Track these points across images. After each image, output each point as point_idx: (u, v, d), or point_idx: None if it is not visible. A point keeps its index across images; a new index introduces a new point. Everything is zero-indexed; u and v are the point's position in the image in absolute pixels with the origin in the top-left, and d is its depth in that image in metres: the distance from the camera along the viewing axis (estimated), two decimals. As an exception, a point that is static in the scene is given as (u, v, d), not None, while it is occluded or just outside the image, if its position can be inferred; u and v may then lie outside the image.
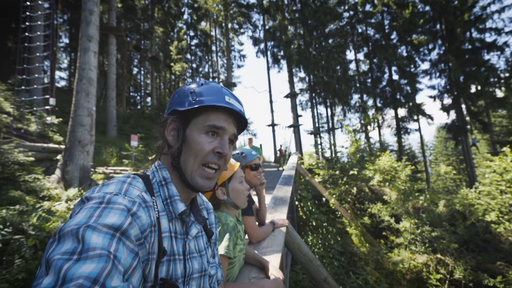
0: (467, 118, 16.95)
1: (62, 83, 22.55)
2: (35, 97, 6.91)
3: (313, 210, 6.09)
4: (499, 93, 16.20)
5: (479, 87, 16.49)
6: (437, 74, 18.13)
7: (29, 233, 2.20)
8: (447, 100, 17.88)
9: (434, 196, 7.81)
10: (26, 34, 7.06)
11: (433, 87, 18.36)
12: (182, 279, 0.58)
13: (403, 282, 4.96)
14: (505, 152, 6.21)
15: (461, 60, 16.28)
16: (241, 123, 0.69)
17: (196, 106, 0.60)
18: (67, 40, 21.52)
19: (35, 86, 7.11)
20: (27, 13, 7.25)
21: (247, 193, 1.22)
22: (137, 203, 0.50)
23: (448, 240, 5.18)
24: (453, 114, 17.41)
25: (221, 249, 1.05)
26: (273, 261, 1.43)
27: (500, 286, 4.14)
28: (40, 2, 7.65)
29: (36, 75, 7.44)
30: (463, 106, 17.06)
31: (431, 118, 17.92)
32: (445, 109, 17.69)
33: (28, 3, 7.30)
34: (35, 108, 6.71)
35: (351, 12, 20.24)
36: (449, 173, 7.82)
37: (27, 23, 7.21)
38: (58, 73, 22.05)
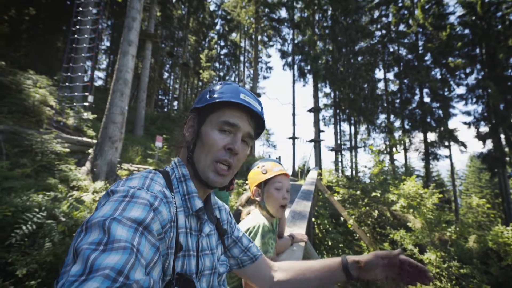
0: (506, 149, 15.67)
1: (99, 83, 24.27)
2: (76, 94, 7.49)
3: (330, 229, 5.88)
4: (544, 125, 14.87)
5: (521, 117, 15.27)
6: (474, 100, 17.08)
7: (60, 219, 2.34)
8: (484, 128, 16.69)
9: (464, 230, 7.22)
10: (76, 36, 7.73)
11: (468, 113, 17.27)
12: (195, 274, 0.59)
13: (424, 320, 4.55)
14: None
15: (502, 86, 15.25)
16: (259, 124, 0.68)
17: (210, 102, 0.61)
18: (108, 43, 23.32)
19: (77, 83, 7.71)
20: (79, 18, 7.98)
21: (282, 202, 1.20)
22: (158, 198, 0.51)
23: (480, 280, 4.73)
24: (489, 144, 16.17)
25: None
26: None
27: None
28: (90, 8, 8.41)
29: (79, 74, 8.08)
30: (502, 135, 15.82)
31: (464, 146, 16.78)
32: (481, 137, 16.50)
33: (80, 9, 8.06)
34: (74, 104, 7.25)
35: (383, 31, 19.96)
36: (482, 207, 7.23)
37: (77, 26, 7.91)
38: (96, 73, 23.83)
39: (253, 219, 1.14)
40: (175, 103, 27.96)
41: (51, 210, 2.36)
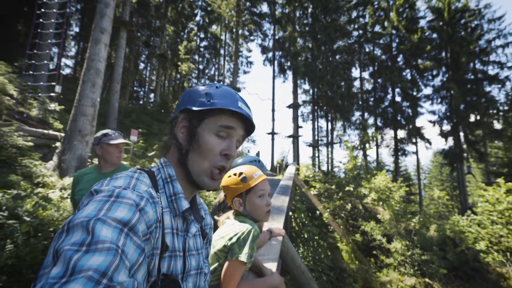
0: (464, 146, 17.16)
1: (67, 71, 22.60)
2: (41, 83, 6.92)
3: (306, 222, 6.08)
4: (497, 125, 16.48)
5: (478, 117, 16.78)
6: (439, 100, 18.45)
7: (23, 218, 2.19)
8: (446, 127, 18.16)
9: (426, 220, 7.85)
10: (40, 20, 7.11)
11: (433, 112, 18.66)
12: (181, 275, 0.59)
13: (389, 304, 4.93)
14: (499, 183, 6.28)
15: (463, 89, 16.60)
16: (249, 127, 0.70)
17: (209, 108, 0.61)
18: (77, 29, 21.69)
19: (42, 72, 7.13)
20: (44, 0, 7.33)
21: (267, 209, 1.17)
22: (145, 198, 0.50)
23: (438, 265, 5.20)
24: (451, 141, 17.64)
25: (243, 255, 1.00)
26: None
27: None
28: (57, -11, 7.75)
29: (45, 62, 7.47)
30: (461, 134, 17.29)
31: (429, 143, 18.10)
32: (444, 135, 17.92)
33: (45, -11, 7.40)
34: (39, 94, 6.71)
35: (360, 31, 20.63)
36: (442, 198, 7.89)
37: (42, 10, 7.27)
38: (64, 61, 22.15)
39: (242, 222, 1.10)
40: (152, 95, 26.85)
41: (13, 209, 2.19)
